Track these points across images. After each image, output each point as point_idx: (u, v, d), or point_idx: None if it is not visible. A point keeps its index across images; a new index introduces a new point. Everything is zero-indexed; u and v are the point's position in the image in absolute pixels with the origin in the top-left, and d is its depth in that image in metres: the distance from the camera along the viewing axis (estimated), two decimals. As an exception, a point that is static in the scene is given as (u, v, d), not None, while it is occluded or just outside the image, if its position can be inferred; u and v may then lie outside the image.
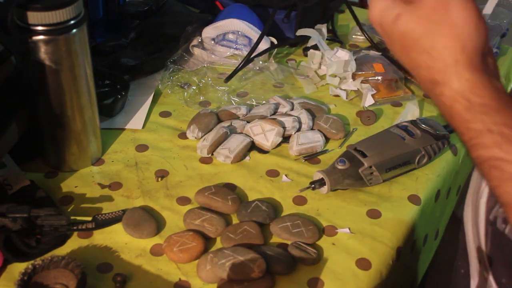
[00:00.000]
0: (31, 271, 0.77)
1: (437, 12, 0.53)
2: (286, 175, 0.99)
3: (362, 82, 1.18)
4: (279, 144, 1.04)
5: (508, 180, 0.51)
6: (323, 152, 1.04)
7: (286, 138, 1.05)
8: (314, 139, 1.04)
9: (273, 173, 0.99)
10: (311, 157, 1.03)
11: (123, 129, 1.09)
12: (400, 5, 0.55)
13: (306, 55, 1.29)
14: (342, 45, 1.34)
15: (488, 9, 1.34)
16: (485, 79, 0.53)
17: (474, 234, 0.74)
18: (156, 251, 0.85)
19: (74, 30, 0.88)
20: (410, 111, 1.12)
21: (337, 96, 1.18)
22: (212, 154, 1.02)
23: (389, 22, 0.55)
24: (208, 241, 0.86)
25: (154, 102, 1.15)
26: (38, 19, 0.84)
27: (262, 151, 1.04)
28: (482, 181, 0.73)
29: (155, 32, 1.27)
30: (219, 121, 1.09)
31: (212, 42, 1.28)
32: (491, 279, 0.70)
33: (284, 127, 1.04)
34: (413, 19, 0.54)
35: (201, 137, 1.05)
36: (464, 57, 0.53)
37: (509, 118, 0.52)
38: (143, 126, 1.09)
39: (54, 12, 0.85)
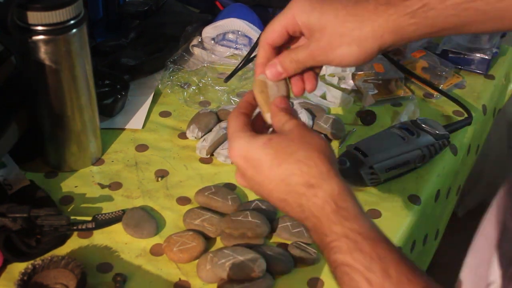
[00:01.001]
0: (31, 271, 0.77)
1: (303, 136, 0.61)
2: (286, 175, 0.99)
3: (363, 82, 1.18)
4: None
5: None
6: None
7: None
8: None
9: (273, 173, 0.99)
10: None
11: (123, 129, 1.09)
12: (267, 135, 0.63)
13: (306, 55, 1.29)
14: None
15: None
16: (348, 187, 0.60)
17: None
18: (156, 251, 0.85)
19: (74, 30, 0.88)
20: (410, 111, 1.12)
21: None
22: (212, 155, 1.02)
23: (258, 147, 0.61)
24: (208, 241, 0.86)
25: (154, 102, 1.15)
26: (38, 19, 0.85)
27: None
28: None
29: (155, 32, 1.27)
30: (219, 120, 1.09)
31: (212, 42, 1.28)
32: None
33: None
34: (284, 139, 0.61)
35: (201, 137, 1.05)
36: (332, 167, 0.60)
37: (364, 227, 0.56)
38: (143, 126, 1.09)
39: (54, 12, 0.85)
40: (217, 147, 1.02)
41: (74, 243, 0.86)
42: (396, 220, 0.91)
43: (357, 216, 0.57)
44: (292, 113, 0.65)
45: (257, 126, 0.67)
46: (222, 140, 1.03)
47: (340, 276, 0.55)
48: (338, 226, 0.56)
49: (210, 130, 1.05)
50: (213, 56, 1.27)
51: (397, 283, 0.53)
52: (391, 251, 0.55)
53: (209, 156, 1.02)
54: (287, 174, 0.60)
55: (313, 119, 1.09)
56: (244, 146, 0.62)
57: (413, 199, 0.95)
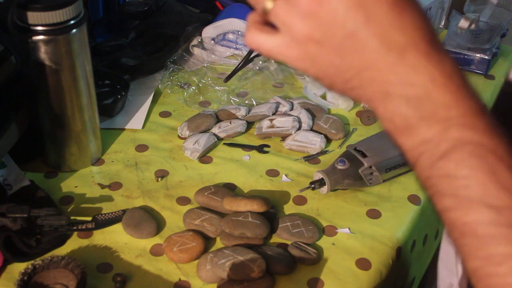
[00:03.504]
0: (31, 271, 0.77)
1: None
2: (286, 175, 0.99)
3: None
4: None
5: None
6: (324, 152, 1.04)
7: (284, 138, 1.05)
8: (310, 141, 1.03)
9: (273, 173, 0.99)
10: (310, 158, 1.03)
11: (123, 129, 1.09)
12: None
13: (306, 55, 1.29)
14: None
15: (488, 9, 1.34)
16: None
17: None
18: (156, 251, 0.85)
19: (74, 30, 0.88)
20: (410, 111, 1.12)
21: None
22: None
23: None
24: (208, 241, 0.86)
25: (154, 102, 1.16)
26: (38, 19, 0.85)
27: (264, 151, 1.04)
28: None
29: (155, 32, 1.27)
30: (218, 120, 1.09)
31: (212, 42, 1.28)
32: None
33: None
34: None
35: (188, 136, 1.05)
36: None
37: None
38: (143, 126, 1.09)
39: (54, 12, 0.85)
40: (209, 151, 1.03)
41: (74, 243, 0.86)
42: (396, 220, 0.91)
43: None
44: None
45: None
46: (213, 146, 1.04)
47: (467, 158, 0.42)
48: (471, 101, 0.44)
49: (201, 132, 1.05)
50: (213, 56, 1.27)
51: None
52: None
53: (197, 159, 1.02)
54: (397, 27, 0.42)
55: (313, 119, 1.09)
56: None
57: (413, 199, 0.95)
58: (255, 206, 0.86)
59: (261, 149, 1.04)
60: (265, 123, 1.07)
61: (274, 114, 1.10)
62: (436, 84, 0.43)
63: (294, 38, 0.44)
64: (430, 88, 0.43)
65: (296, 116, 1.07)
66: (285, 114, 1.09)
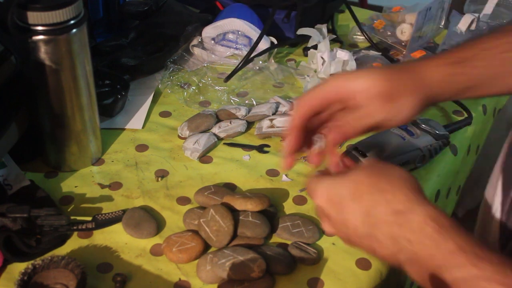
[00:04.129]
0: (31, 271, 0.77)
1: (384, 171, 0.60)
2: (286, 175, 0.99)
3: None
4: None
5: None
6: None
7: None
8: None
9: (273, 173, 0.99)
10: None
11: (123, 129, 1.09)
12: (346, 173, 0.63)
13: (306, 55, 1.29)
14: (342, 45, 1.34)
15: (488, 9, 1.34)
16: (444, 212, 0.56)
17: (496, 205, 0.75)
18: (156, 251, 0.85)
19: (74, 30, 0.88)
20: (410, 111, 1.12)
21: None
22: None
23: (338, 182, 0.62)
24: (208, 241, 0.86)
25: (154, 102, 1.16)
26: (38, 19, 0.85)
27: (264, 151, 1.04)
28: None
29: (155, 32, 1.27)
30: (218, 120, 1.09)
31: (212, 42, 1.28)
32: None
33: None
34: (363, 172, 0.61)
35: (188, 136, 1.05)
36: (420, 194, 0.57)
37: (476, 240, 0.53)
38: (143, 126, 1.10)
39: (54, 12, 0.85)
40: (209, 151, 1.02)
41: (74, 243, 0.86)
42: (396, 220, 0.91)
43: (464, 230, 0.54)
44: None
45: None
46: (213, 146, 1.03)
47: None
48: (448, 244, 0.52)
49: (201, 132, 1.05)
50: (213, 56, 1.27)
51: None
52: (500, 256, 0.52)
53: (197, 159, 1.02)
54: (370, 205, 0.57)
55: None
56: (326, 187, 0.62)
57: (413, 199, 0.95)
58: (249, 206, 0.86)
59: (261, 149, 1.04)
60: (265, 123, 1.07)
61: (274, 114, 1.10)
62: (412, 243, 0.55)
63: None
64: (412, 248, 0.54)
65: None
66: (285, 114, 1.09)
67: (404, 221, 0.54)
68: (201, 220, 0.85)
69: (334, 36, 1.29)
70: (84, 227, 0.87)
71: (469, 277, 0.50)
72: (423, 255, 0.53)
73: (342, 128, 0.69)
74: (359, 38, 1.36)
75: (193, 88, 1.19)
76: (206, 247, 0.84)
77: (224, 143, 1.06)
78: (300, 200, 0.94)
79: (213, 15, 1.33)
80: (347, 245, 0.64)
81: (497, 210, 0.80)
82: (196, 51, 1.28)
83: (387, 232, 0.55)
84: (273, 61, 1.26)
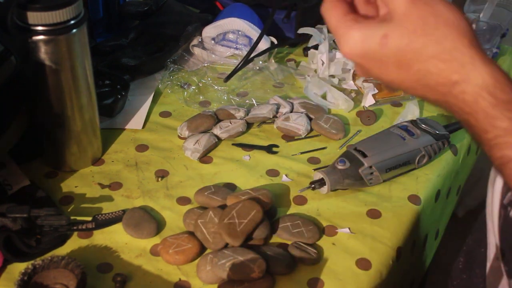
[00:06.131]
0: (31, 271, 0.77)
1: (427, 18, 0.51)
2: (286, 175, 0.99)
3: (363, 81, 1.18)
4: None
5: None
6: (323, 148, 1.04)
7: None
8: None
9: (273, 173, 0.99)
10: (306, 152, 1.03)
11: (123, 129, 1.09)
12: (380, 26, 0.52)
13: (306, 55, 1.29)
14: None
15: (488, 9, 1.34)
16: (502, 73, 0.51)
17: (489, 213, 0.74)
18: (156, 251, 0.85)
19: (74, 30, 0.88)
20: (410, 111, 1.12)
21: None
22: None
23: (375, 47, 0.52)
24: (208, 241, 0.86)
25: (154, 102, 1.16)
26: (38, 19, 0.85)
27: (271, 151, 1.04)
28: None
29: (155, 32, 1.27)
30: (218, 120, 1.09)
31: (212, 41, 1.28)
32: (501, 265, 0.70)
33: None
34: (404, 32, 0.51)
35: (187, 136, 1.05)
36: (476, 52, 0.51)
37: None
38: (143, 126, 1.09)
39: (54, 12, 0.85)
40: (209, 152, 1.02)
41: (74, 243, 0.86)
42: (396, 220, 0.91)
43: None
44: None
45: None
46: (213, 147, 1.03)
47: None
48: (503, 121, 0.50)
49: (200, 132, 1.05)
50: (213, 56, 1.27)
51: None
52: None
53: (198, 159, 1.02)
54: (421, 75, 0.51)
55: (310, 124, 1.08)
56: (359, 44, 0.52)
57: (413, 199, 0.95)
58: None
59: (269, 149, 1.04)
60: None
61: (274, 116, 1.09)
62: (465, 113, 0.51)
63: None
64: (465, 117, 0.52)
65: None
66: (284, 114, 1.09)
67: (458, 92, 0.51)
68: (199, 221, 0.85)
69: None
70: (84, 227, 0.87)
71: None
72: (475, 125, 0.51)
73: None
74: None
75: (193, 88, 1.19)
76: (202, 248, 0.84)
77: (233, 144, 1.05)
78: (300, 200, 0.94)
79: (213, 15, 1.33)
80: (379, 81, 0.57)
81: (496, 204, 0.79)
82: (196, 51, 1.28)
83: (441, 99, 0.52)
84: (273, 61, 1.26)
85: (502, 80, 0.50)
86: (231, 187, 0.96)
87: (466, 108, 0.51)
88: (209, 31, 1.28)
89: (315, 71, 1.24)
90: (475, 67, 0.50)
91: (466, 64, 0.50)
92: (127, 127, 1.09)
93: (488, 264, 0.76)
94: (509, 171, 0.50)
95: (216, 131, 1.06)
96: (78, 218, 0.89)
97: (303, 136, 1.07)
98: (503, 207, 0.70)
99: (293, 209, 0.93)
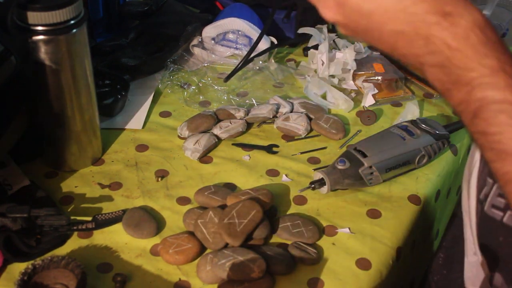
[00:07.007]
0: (31, 271, 0.77)
1: None
2: (286, 175, 0.99)
3: (363, 81, 1.18)
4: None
5: None
6: (323, 148, 1.04)
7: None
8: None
9: (273, 173, 0.99)
10: (306, 152, 1.03)
11: (123, 129, 1.09)
12: None
13: (306, 55, 1.29)
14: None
15: (488, 9, 1.34)
16: (490, 21, 0.50)
17: (466, 209, 0.74)
18: (156, 251, 0.85)
19: (74, 30, 0.88)
20: (410, 111, 1.12)
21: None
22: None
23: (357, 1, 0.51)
24: (208, 241, 0.86)
25: (154, 102, 1.16)
26: (38, 19, 0.85)
27: (270, 151, 1.04)
28: (475, 152, 0.73)
29: (155, 32, 1.27)
30: (218, 120, 1.09)
31: (212, 41, 1.28)
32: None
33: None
34: None
35: (187, 136, 1.05)
36: None
37: None
38: (143, 126, 1.09)
39: (54, 12, 0.85)
40: (209, 152, 1.02)
41: (74, 243, 0.86)
42: (396, 220, 0.91)
43: (507, 50, 0.49)
44: None
45: None
46: (213, 147, 1.03)
47: (493, 116, 0.47)
48: (491, 60, 0.48)
49: (200, 132, 1.05)
50: (213, 56, 1.27)
51: None
52: None
53: (197, 159, 1.02)
54: (410, 2, 0.49)
55: (310, 124, 1.08)
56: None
57: (413, 199, 0.95)
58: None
59: (269, 149, 1.04)
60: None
61: (274, 116, 1.10)
62: (451, 49, 0.49)
63: None
64: (448, 54, 0.49)
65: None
66: (285, 115, 1.09)
67: (449, 24, 0.49)
68: (199, 221, 0.85)
69: (336, 36, 1.29)
70: (84, 227, 0.87)
71: (499, 100, 0.47)
72: (458, 64, 0.49)
73: None
74: (359, 38, 1.36)
75: (193, 88, 1.19)
76: (202, 248, 0.84)
77: (233, 144, 1.05)
78: (300, 200, 0.94)
79: (213, 15, 1.33)
80: (348, 34, 0.55)
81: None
82: (196, 51, 1.28)
83: (423, 32, 0.49)
84: (273, 61, 1.26)
85: (490, 22, 0.50)
86: (231, 187, 0.96)
87: (453, 43, 0.49)
88: (209, 31, 1.28)
89: (315, 71, 1.24)
90: (467, 4, 0.50)
91: (459, 2, 0.49)
92: (127, 127, 1.09)
93: (466, 259, 0.76)
94: (491, 113, 0.48)
95: (216, 131, 1.06)
96: (78, 218, 0.89)
97: (303, 136, 1.07)
98: (480, 202, 0.70)
99: (293, 209, 0.93)
